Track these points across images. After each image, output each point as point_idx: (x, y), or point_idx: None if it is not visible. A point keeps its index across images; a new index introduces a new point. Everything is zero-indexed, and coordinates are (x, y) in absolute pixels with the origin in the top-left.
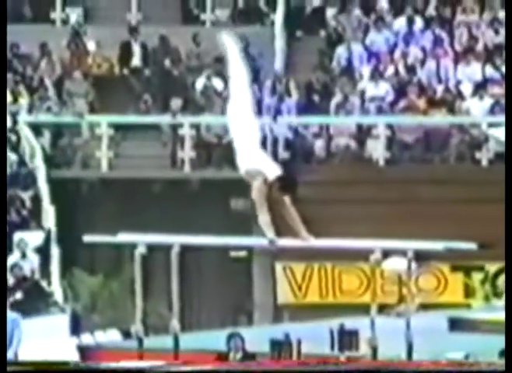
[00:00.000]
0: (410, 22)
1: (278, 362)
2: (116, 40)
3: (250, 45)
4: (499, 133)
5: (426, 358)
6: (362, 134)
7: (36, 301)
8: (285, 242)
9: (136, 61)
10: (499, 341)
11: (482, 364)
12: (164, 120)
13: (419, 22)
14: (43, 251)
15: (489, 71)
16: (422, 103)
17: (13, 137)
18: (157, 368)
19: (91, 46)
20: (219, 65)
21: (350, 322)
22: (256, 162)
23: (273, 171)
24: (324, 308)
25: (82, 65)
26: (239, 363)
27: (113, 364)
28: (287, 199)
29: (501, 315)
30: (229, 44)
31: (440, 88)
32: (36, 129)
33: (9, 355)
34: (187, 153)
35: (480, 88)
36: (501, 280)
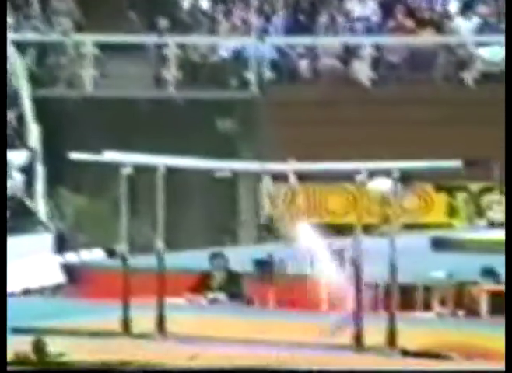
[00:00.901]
0: None
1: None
2: None
3: None
4: (486, 53)
5: (410, 278)
6: (349, 54)
7: (20, 219)
8: (273, 166)
9: None
10: (481, 260)
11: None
12: (150, 39)
13: None
14: (28, 170)
15: None
16: (409, 23)
17: None
18: (157, 367)
19: None
20: None
21: (335, 242)
22: None
23: None
24: None
25: None
26: None
27: (112, 364)
28: None
29: (483, 235)
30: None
31: (427, 8)
32: (22, 47)
33: None
34: (172, 73)
35: (467, 7)
36: (484, 200)
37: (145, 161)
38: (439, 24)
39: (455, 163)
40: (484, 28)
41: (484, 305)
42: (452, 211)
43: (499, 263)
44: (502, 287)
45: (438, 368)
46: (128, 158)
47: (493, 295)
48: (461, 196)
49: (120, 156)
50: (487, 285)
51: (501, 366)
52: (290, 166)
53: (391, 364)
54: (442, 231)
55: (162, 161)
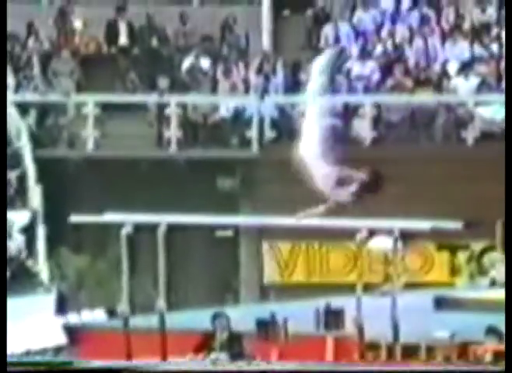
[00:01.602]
0: (397, 0)
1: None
2: (103, 19)
3: (237, 24)
4: (485, 112)
5: (412, 337)
6: (349, 113)
7: (22, 281)
8: (272, 220)
9: (123, 39)
10: (484, 319)
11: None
12: (151, 99)
13: (406, 1)
14: (29, 231)
15: (476, 49)
16: (408, 82)
17: None
18: (156, 367)
19: (78, 25)
20: (206, 44)
21: (336, 302)
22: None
23: None
24: (310, 287)
25: (69, 44)
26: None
27: (111, 364)
28: None
29: (486, 294)
30: None
31: (426, 67)
32: (23, 108)
33: None
34: (173, 132)
35: (467, 66)
36: (486, 259)
37: (146, 219)
38: (438, 83)
39: (455, 224)
40: (483, 87)
41: (489, 365)
42: (454, 270)
43: (502, 321)
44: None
45: (438, 368)
46: (128, 218)
47: (497, 354)
48: (463, 255)
49: (119, 217)
50: (491, 344)
51: None
52: (291, 222)
53: None
54: (444, 290)
55: (163, 219)
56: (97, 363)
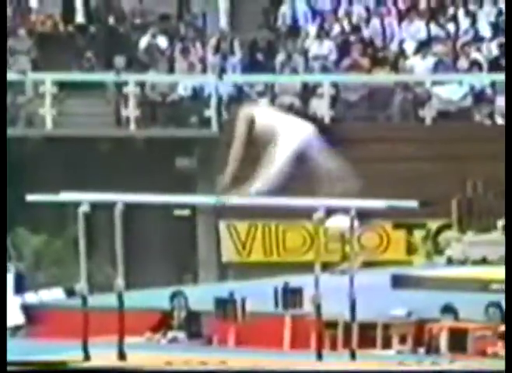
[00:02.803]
0: None
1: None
2: None
3: (194, 3)
4: (442, 91)
5: (370, 315)
6: (307, 92)
7: None
8: (234, 200)
9: (80, 18)
10: (441, 297)
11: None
12: (108, 77)
13: None
14: None
15: (433, 29)
16: (365, 62)
17: None
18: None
19: (34, 3)
20: (163, 23)
21: (294, 280)
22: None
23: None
24: (268, 266)
25: (25, 22)
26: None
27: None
28: None
29: (442, 272)
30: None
31: (383, 47)
32: None
33: None
34: (131, 111)
35: (423, 46)
36: (442, 238)
37: (103, 198)
38: (395, 63)
39: (411, 203)
40: (439, 66)
41: (444, 342)
42: (411, 249)
43: (458, 300)
44: (461, 324)
45: (439, 368)
46: (85, 197)
47: (453, 332)
48: (419, 234)
49: (76, 195)
50: (447, 322)
51: None
52: (249, 201)
53: None
54: (401, 268)
55: (120, 197)
56: (95, 363)
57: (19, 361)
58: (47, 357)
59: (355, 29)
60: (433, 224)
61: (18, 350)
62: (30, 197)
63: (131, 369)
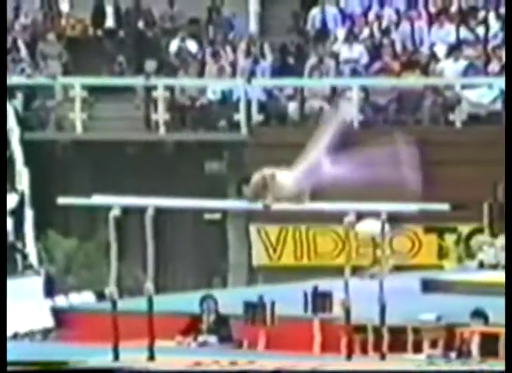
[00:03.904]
0: None
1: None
2: (89, 2)
3: (224, 7)
4: (472, 94)
5: (399, 320)
6: (336, 96)
7: (10, 263)
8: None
9: (110, 22)
10: (471, 302)
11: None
12: (138, 81)
13: None
14: (18, 213)
15: (463, 32)
16: (396, 65)
17: None
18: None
19: (64, 7)
20: (193, 27)
21: (324, 284)
22: None
23: None
24: (298, 270)
25: (55, 27)
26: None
27: (108, 364)
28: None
29: (474, 276)
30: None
31: (414, 51)
32: (10, 91)
33: None
34: (161, 115)
35: (454, 49)
36: (474, 242)
37: (134, 202)
38: (425, 66)
39: (442, 206)
40: (470, 70)
41: (475, 347)
42: (442, 253)
43: (489, 304)
44: (492, 329)
45: (439, 368)
46: (116, 201)
47: (485, 337)
48: (450, 238)
49: (107, 199)
50: (478, 327)
51: None
52: (279, 206)
53: None
54: (432, 272)
55: (151, 202)
56: (93, 362)
57: (19, 361)
58: (77, 360)
59: (386, 32)
60: (465, 228)
61: (48, 352)
62: (62, 200)
63: (131, 369)
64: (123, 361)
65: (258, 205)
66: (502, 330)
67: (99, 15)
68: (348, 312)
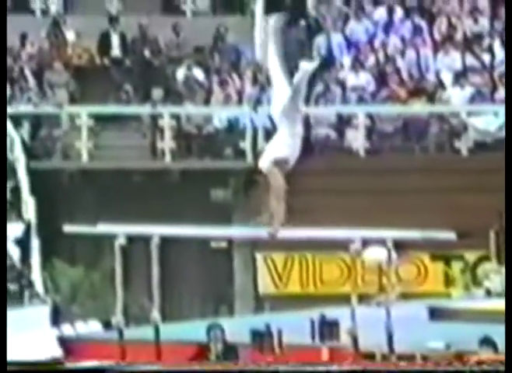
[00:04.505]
0: (390, 11)
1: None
2: (95, 30)
3: (229, 35)
4: (479, 122)
5: (407, 348)
6: (342, 123)
7: (17, 292)
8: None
9: (116, 51)
10: (479, 330)
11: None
12: (144, 110)
13: (398, 12)
14: (24, 242)
15: (469, 60)
16: (402, 93)
17: None
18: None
19: (70, 36)
20: (199, 55)
21: (331, 312)
22: (288, 151)
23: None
24: (305, 298)
25: (62, 56)
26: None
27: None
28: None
29: (481, 304)
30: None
31: (420, 78)
32: (16, 120)
33: None
34: (167, 143)
35: (460, 77)
36: (481, 270)
37: (139, 231)
38: (431, 94)
39: (449, 234)
40: (476, 97)
41: None
42: (448, 280)
43: (497, 332)
44: (500, 357)
45: (439, 368)
46: (122, 229)
47: (492, 365)
48: (457, 266)
49: (113, 227)
50: (486, 355)
51: None
52: (284, 233)
53: None
54: (439, 300)
55: (156, 230)
56: (90, 363)
57: (19, 361)
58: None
59: (391, 59)
60: (471, 256)
61: None
62: (68, 228)
63: (131, 369)
64: None
65: (263, 232)
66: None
67: (104, 44)
68: (355, 340)
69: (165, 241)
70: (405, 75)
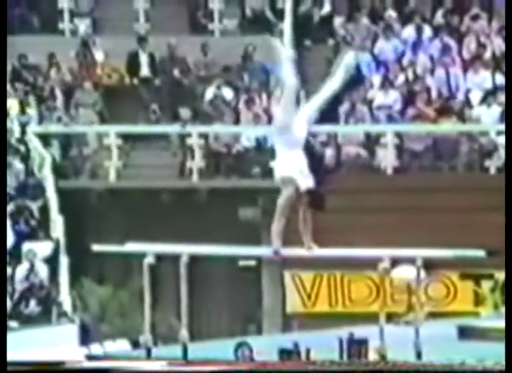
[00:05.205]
0: (418, 30)
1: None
2: (124, 50)
3: (257, 54)
4: None
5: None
6: (371, 142)
7: (46, 311)
8: (291, 251)
9: (145, 71)
10: None
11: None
12: (173, 129)
13: (427, 31)
14: (52, 261)
15: (499, 78)
16: (431, 112)
17: (22, 148)
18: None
19: (99, 56)
20: (227, 75)
21: (359, 331)
22: (292, 171)
23: (306, 182)
24: (333, 316)
25: (91, 76)
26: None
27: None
28: (306, 209)
29: None
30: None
31: (449, 97)
32: (46, 139)
33: None
34: (195, 163)
35: (489, 96)
36: None
37: (168, 250)
38: (460, 113)
39: (478, 252)
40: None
41: None
42: (478, 300)
43: None
44: None
45: (439, 369)
46: (150, 248)
47: None
48: (486, 285)
49: (141, 246)
50: None
51: None
52: (313, 252)
53: None
54: (468, 319)
55: (185, 249)
56: (91, 363)
57: (19, 361)
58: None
59: (420, 78)
60: (501, 275)
61: None
62: (96, 248)
63: (128, 370)
64: None
65: (292, 251)
66: None
67: (133, 64)
68: (384, 359)
69: (193, 260)
70: (434, 94)
